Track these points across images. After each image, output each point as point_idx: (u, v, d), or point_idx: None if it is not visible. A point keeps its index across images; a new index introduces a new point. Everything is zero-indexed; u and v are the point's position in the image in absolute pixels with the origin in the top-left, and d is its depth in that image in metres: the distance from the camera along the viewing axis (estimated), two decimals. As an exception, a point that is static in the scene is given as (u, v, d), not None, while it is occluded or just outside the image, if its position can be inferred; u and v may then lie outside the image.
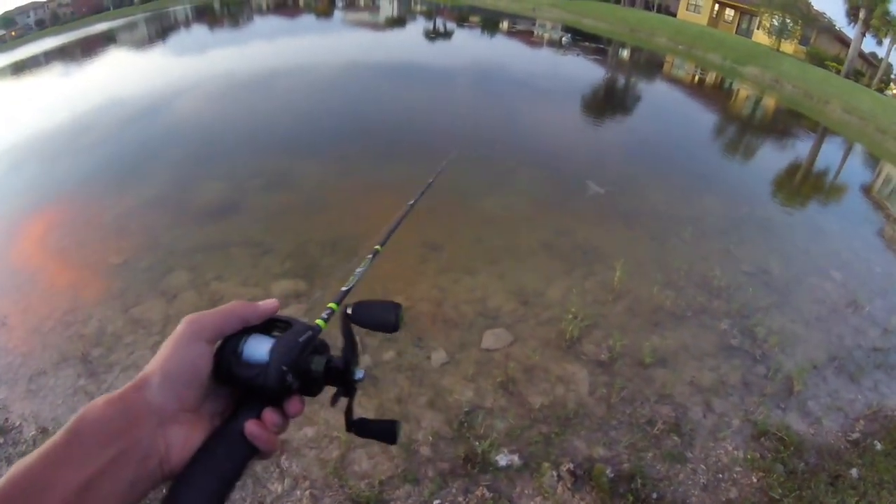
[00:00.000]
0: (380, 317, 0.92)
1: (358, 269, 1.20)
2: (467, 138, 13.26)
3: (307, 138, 13.06)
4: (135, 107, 16.04)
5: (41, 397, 5.54)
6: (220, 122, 14.42)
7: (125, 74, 22.43)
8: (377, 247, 1.31)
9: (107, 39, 35.69)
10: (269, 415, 0.76)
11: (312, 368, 0.80)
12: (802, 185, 14.74)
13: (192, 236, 8.50)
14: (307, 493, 4.44)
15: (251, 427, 0.73)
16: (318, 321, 0.90)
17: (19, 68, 29.15)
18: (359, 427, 0.91)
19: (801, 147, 19.13)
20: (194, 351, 0.73)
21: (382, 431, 0.92)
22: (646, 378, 5.91)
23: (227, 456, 0.73)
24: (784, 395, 5.97)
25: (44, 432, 5.11)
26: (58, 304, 7.09)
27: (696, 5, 45.29)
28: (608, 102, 20.96)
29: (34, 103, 19.48)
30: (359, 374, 0.86)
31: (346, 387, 0.86)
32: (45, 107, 18.19)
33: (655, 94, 24.07)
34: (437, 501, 4.42)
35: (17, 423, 5.29)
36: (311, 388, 0.81)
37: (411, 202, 1.64)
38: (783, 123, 22.37)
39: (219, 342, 0.77)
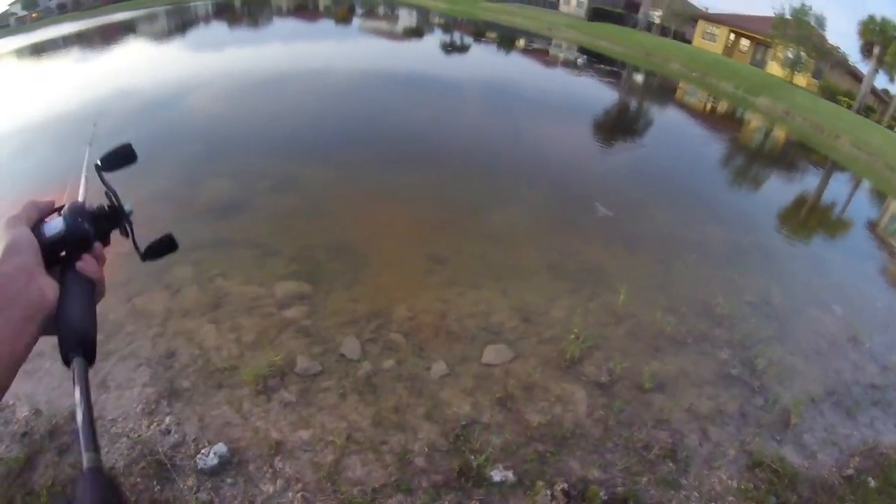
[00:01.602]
0: (122, 156, 1.16)
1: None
2: (476, 151, 13.32)
3: (317, 142, 13.09)
4: (148, 98, 16.09)
5: (36, 379, 5.53)
6: (232, 120, 14.45)
7: (141, 65, 22.52)
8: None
9: (126, 28, 35.87)
10: (86, 257, 0.97)
11: (96, 212, 1.04)
12: (808, 217, 14.76)
13: (198, 232, 8.50)
14: (299, 495, 4.44)
15: (80, 264, 0.94)
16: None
17: (38, 50, 29.27)
18: (147, 253, 1.13)
19: (808, 180, 19.16)
20: (26, 229, 0.92)
21: (166, 246, 1.15)
22: (644, 402, 5.91)
23: (78, 284, 0.93)
24: (780, 427, 5.96)
25: (37, 413, 5.12)
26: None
27: (711, 34, 45.41)
28: (620, 125, 21.01)
29: (49, 87, 19.55)
30: (127, 206, 1.09)
31: (125, 222, 1.09)
32: (58, 91, 18.26)
33: (667, 119, 24.12)
34: (430, 513, 4.42)
35: (11, 403, 5.30)
36: (103, 233, 1.05)
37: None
38: (792, 155, 22.42)
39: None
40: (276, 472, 4.63)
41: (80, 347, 0.86)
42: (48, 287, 0.87)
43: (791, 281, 9.61)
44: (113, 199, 1.09)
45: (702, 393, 6.23)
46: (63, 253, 0.97)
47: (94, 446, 0.73)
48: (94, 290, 0.96)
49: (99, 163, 1.14)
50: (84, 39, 32.24)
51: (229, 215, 9.14)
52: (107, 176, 1.14)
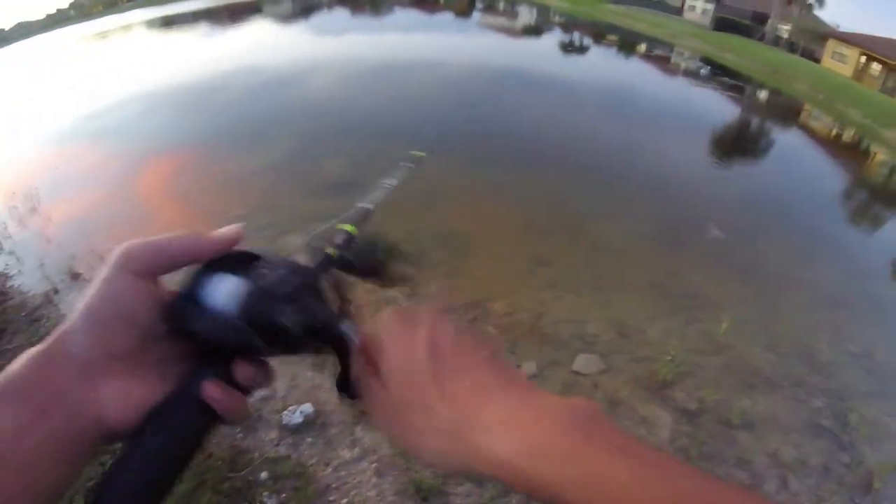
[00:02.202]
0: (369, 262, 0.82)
1: (387, 180, 1.05)
2: (588, 158, 13.28)
3: (432, 133, 13.26)
4: (270, 76, 16.76)
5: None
6: (348, 103, 14.93)
7: (265, 44, 23.33)
8: (418, 152, 1.16)
9: (252, 9, 37.09)
10: (235, 372, 0.64)
11: (286, 323, 0.63)
12: (926, 269, 14.04)
13: (311, 206, 8.88)
14: (373, 466, 4.62)
15: (209, 389, 0.62)
16: (330, 250, 0.80)
17: (167, 23, 30.65)
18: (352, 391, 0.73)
19: (932, 227, 18.16)
20: (121, 285, 0.60)
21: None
22: (729, 438, 5.87)
23: (181, 420, 0.61)
24: (862, 490, 5.81)
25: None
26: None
27: (841, 55, 43.17)
28: (739, 144, 20.36)
29: (176, 58, 20.54)
30: (347, 328, 0.69)
31: (332, 344, 0.71)
32: (185, 63, 19.16)
33: (788, 143, 23.19)
34: (496, 506, 4.55)
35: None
36: (288, 344, 0.66)
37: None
38: (919, 196, 21.27)
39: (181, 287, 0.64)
40: (355, 440, 4.83)
41: None
42: (111, 400, 0.58)
43: (899, 336, 9.26)
44: (331, 305, 0.72)
45: (788, 439, 6.13)
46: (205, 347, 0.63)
47: None
48: (210, 426, 0.64)
49: (333, 251, 0.80)
50: (212, 16, 33.46)
51: (343, 192, 9.43)
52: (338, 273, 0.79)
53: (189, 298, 0.62)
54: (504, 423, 0.59)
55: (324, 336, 0.68)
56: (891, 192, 20.86)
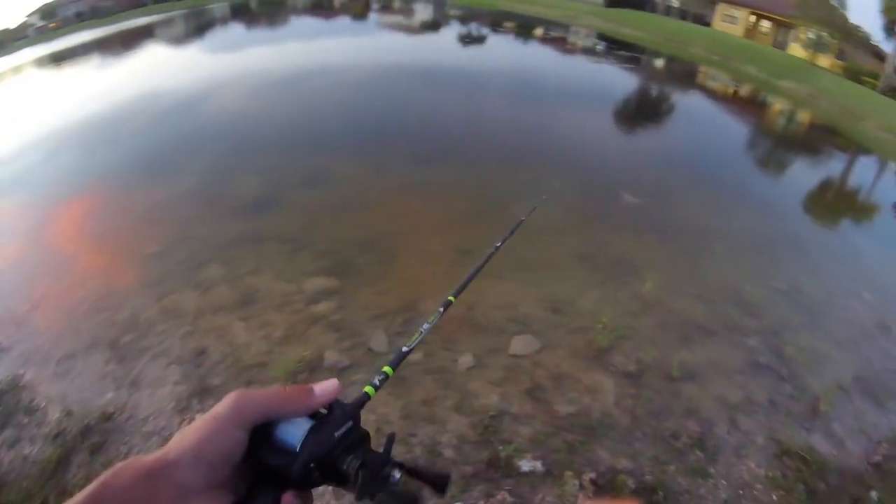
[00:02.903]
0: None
1: (425, 325, 1.12)
2: (499, 143, 13.33)
3: (342, 138, 13.17)
4: (172, 100, 16.37)
5: (69, 380, 5.70)
6: (256, 118, 14.64)
7: (162, 68, 22.83)
8: (450, 297, 1.24)
9: (145, 34, 36.28)
10: (288, 500, 0.69)
11: (343, 468, 0.72)
12: (836, 202, 14.57)
13: (227, 230, 8.67)
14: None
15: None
16: (368, 388, 0.87)
17: (59, 58, 29.74)
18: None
19: (835, 164, 18.85)
20: (234, 436, 0.67)
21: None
22: (673, 392, 5.92)
23: None
24: (809, 416, 5.94)
25: (69, 414, 5.27)
26: (92, 290, 7.31)
27: (732, 16, 44.69)
28: (642, 112, 20.85)
29: (73, 93, 19.90)
30: (395, 476, 0.76)
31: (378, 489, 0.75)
32: (83, 97, 18.59)
33: (689, 105, 23.86)
34: (459, 504, 4.48)
35: (43, 405, 5.47)
36: (339, 480, 0.73)
37: (497, 244, 1.58)
38: (818, 139, 22.06)
39: None
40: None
41: None
42: None
43: (820, 268, 9.52)
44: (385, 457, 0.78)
45: (731, 382, 6.22)
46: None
47: None
48: None
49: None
50: (105, 46, 32.65)
51: (257, 212, 9.30)
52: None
53: (266, 432, 0.70)
54: None
55: (374, 479, 0.74)
56: (792, 139, 21.67)
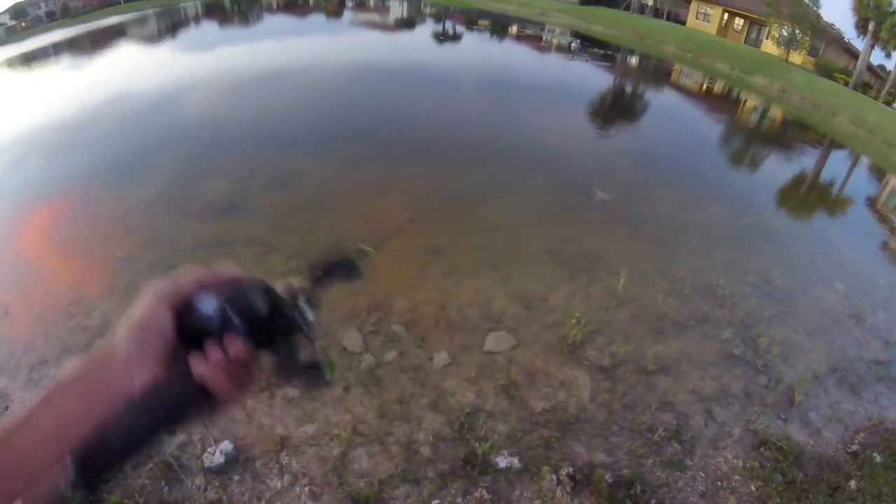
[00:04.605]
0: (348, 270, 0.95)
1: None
2: (471, 141, 13.30)
3: (312, 138, 13.08)
4: (140, 102, 16.16)
5: (42, 387, 5.55)
6: (225, 119, 14.50)
7: (132, 69, 22.57)
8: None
9: (116, 33, 35.87)
10: (212, 349, 0.76)
11: (257, 307, 0.80)
12: (808, 196, 14.73)
13: (196, 233, 8.53)
14: (306, 489, 4.45)
15: (195, 361, 0.75)
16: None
17: (28, 59, 29.29)
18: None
19: (807, 158, 19.08)
20: (161, 313, 0.77)
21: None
22: (648, 385, 5.92)
23: (175, 385, 0.74)
24: (785, 406, 5.96)
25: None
26: (62, 296, 7.14)
27: (705, 14, 45.15)
28: (616, 109, 20.94)
29: (41, 96, 19.59)
30: (310, 315, 0.85)
31: (299, 331, 0.84)
32: (51, 100, 18.30)
33: (663, 101, 24.07)
34: (437, 502, 4.44)
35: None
36: (259, 334, 0.79)
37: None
38: (790, 134, 22.35)
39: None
40: (282, 468, 4.65)
41: (77, 469, 0.64)
42: (134, 374, 0.73)
43: (792, 259, 9.57)
44: (301, 305, 0.85)
45: (705, 374, 6.23)
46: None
47: None
48: (197, 398, 0.75)
49: (322, 271, 0.92)
50: (75, 46, 32.22)
51: (226, 215, 9.16)
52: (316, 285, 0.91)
53: (188, 309, 0.79)
54: None
55: (290, 329, 0.83)
56: (764, 133, 21.89)
